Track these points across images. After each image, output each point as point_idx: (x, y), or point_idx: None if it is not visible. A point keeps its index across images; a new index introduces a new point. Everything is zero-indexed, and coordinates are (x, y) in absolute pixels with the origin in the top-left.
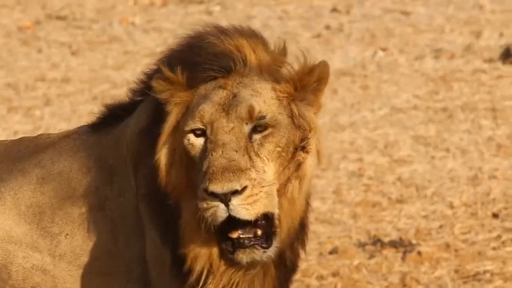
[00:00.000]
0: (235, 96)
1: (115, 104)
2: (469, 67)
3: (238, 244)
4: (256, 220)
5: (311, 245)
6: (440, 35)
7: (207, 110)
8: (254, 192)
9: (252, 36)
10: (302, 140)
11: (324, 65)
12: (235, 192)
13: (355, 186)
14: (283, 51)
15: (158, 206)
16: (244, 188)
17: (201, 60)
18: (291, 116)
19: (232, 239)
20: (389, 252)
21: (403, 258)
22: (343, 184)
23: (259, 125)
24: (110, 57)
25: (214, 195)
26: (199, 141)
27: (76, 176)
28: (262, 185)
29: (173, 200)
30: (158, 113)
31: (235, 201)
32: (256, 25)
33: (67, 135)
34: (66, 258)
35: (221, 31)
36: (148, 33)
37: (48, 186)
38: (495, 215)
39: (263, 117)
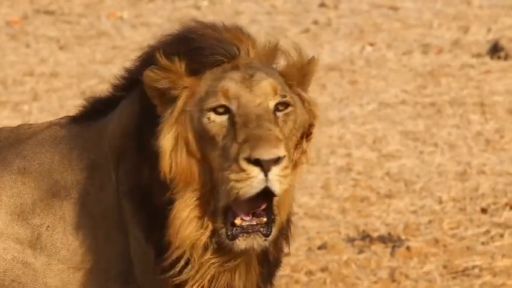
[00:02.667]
0: (252, 76)
1: (96, 98)
2: (457, 62)
3: (241, 230)
4: (258, 207)
5: (300, 240)
6: (428, 30)
7: (230, 86)
8: (287, 164)
9: (244, 31)
10: (310, 126)
11: (316, 60)
12: (276, 162)
13: (344, 181)
14: (275, 47)
15: (142, 202)
16: (283, 157)
17: (205, 45)
18: (301, 101)
19: (234, 225)
20: (377, 247)
21: (392, 254)
22: (332, 179)
23: (281, 103)
24: (99, 51)
25: (257, 164)
26: (221, 119)
27: (57, 167)
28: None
29: (173, 188)
30: (141, 110)
31: (275, 170)
32: (244, 20)
33: (48, 126)
34: (46, 251)
35: (213, 25)
36: (136, 28)
37: (30, 177)
38: (484, 210)
39: (284, 96)
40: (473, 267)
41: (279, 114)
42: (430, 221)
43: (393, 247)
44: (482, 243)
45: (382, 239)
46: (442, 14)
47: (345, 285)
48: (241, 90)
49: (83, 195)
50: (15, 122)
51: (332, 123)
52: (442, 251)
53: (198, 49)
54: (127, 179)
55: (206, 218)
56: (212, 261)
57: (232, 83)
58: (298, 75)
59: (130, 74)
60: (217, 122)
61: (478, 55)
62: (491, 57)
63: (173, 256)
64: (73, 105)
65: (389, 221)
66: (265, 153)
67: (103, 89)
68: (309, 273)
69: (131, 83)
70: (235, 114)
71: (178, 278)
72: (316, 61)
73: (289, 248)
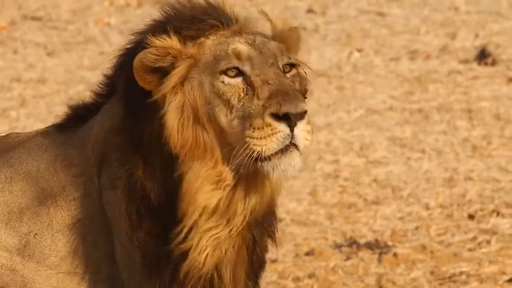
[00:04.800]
0: (254, 40)
1: (79, 105)
2: (445, 68)
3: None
4: None
5: (287, 246)
6: (415, 36)
7: (242, 48)
8: (309, 120)
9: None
10: (305, 90)
11: (298, 28)
12: (302, 116)
13: (331, 187)
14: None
15: (130, 202)
16: (306, 112)
17: (197, 13)
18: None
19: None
20: (365, 253)
21: (379, 260)
22: (319, 185)
23: (287, 64)
24: (86, 57)
25: (284, 118)
26: (236, 81)
27: (43, 175)
28: None
29: (179, 162)
30: (129, 107)
31: (301, 125)
32: None
33: (35, 135)
34: (35, 258)
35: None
36: (124, 34)
37: (17, 186)
38: (471, 216)
39: (289, 57)
40: (460, 273)
41: (287, 75)
42: (417, 228)
43: (381, 253)
44: (469, 250)
45: (369, 246)
46: (430, 20)
47: None
48: (251, 52)
49: (69, 201)
50: (2, 128)
51: (319, 129)
52: (429, 257)
53: (192, 17)
54: (110, 182)
55: (218, 182)
56: (215, 225)
57: (242, 46)
58: (286, 41)
59: (109, 80)
60: (232, 84)
61: (466, 61)
62: (479, 63)
63: (186, 226)
64: (60, 111)
65: (376, 228)
66: (294, 107)
67: (90, 95)
68: (296, 279)
69: (112, 88)
70: (251, 75)
71: (182, 245)
72: (298, 29)
73: (276, 247)
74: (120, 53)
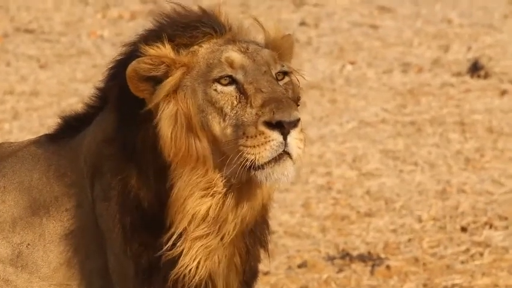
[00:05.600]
0: (247, 48)
1: (71, 115)
2: (437, 81)
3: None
4: None
5: (280, 258)
6: (408, 48)
7: (235, 56)
8: (302, 128)
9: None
10: (298, 98)
11: (292, 36)
12: (295, 124)
13: (324, 199)
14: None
15: (124, 213)
16: (299, 121)
17: (190, 21)
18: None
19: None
20: (357, 266)
21: (372, 272)
22: (312, 197)
23: (280, 72)
24: (79, 70)
25: (277, 126)
26: (229, 89)
27: (36, 185)
28: None
29: (171, 170)
30: (121, 117)
31: (294, 133)
32: None
33: (28, 145)
34: (28, 269)
35: (187, 6)
36: (117, 47)
37: (10, 195)
38: (463, 229)
39: (283, 65)
40: (453, 285)
41: (280, 83)
42: (410, 240)
43: (373, 266)
44: (462, 262)
45: (362, 258)
46: (422, 33)
47: None
48: (245, 60)
49: (61, 212)
50: None
51: (312, 142)
52: (422, 269)
53: (185, 25)
54: (104, 194)
55: (208, 190)
56: (204, 233)
57: (235, 54)
58: (279, 48)
59: (101, 92)
60: (225, 92)
61: (458, 74)
62: (471, 76)
63: (175, 233)
64: (53, 124)
65: (369, 240)
66: (288, 115)
67: (82, 107)
68: None
69: (104, 100)
70: (244, 83)
71: (170, 252)
72: (292, 37)
73: (269, 256)
74: (112, 65)
